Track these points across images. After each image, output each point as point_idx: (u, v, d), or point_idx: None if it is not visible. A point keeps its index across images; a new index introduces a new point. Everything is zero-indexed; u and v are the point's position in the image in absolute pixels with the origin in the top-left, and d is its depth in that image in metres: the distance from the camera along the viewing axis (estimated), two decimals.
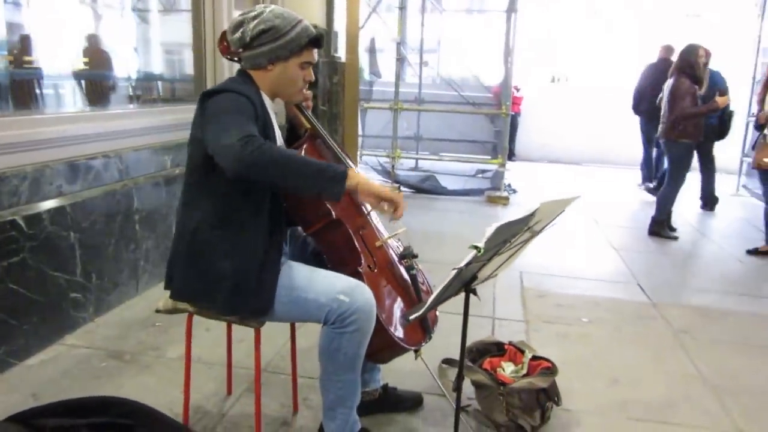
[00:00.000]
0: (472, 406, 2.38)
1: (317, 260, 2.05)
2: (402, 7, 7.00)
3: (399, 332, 2.00)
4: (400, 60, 7.24)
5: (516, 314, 3.54)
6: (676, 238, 5.56)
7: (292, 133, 2.12)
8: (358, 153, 7.59)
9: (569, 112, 10.66)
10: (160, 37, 4.46)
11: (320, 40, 1.90)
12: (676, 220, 5.78)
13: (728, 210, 7.35)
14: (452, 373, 2.66)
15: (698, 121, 5.21)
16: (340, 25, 6.25)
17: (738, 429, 2.45)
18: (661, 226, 5.61)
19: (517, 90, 9.60)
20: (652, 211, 5.73)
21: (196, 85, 4.30)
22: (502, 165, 7.12)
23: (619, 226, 6.05)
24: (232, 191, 1.81)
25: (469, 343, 2.52)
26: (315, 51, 1.91)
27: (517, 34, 7.03)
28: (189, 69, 4.38)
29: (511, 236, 1.46)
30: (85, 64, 3.74)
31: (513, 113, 7.86)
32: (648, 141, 7.92)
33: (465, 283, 1.55)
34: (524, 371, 2.40)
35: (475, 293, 1.60)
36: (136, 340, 2.95)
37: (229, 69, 4.33)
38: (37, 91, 3.34)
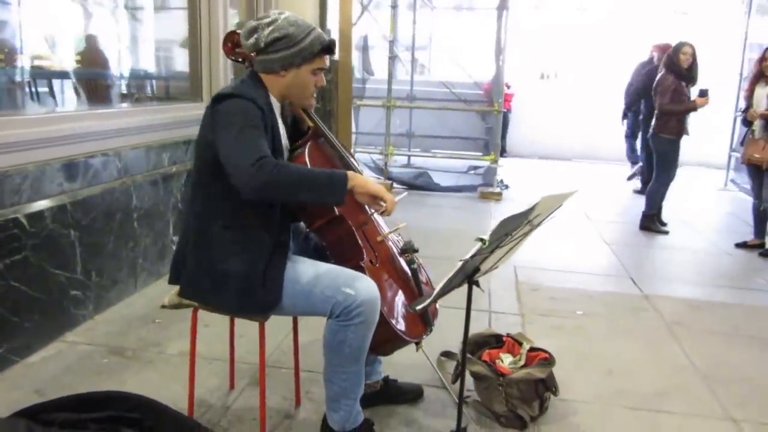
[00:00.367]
0: (471, 397, 2.43)
1: (319, 255, 2.09)
2: (394, 6, 7.03)
3: (401, 325, 2.04)
4: (393, 58, 7.27)
5: (511, 308, 3.59)
6: (666, 233, 5.64)
7: (296, 129, 2.15)
8: (352, 150, 7.62)
9: (559, 109, 10.74)
10: (157, 35, 4.47)
11: (332, 47, 1.94)
12: (666, 214, 5.86)
13: (717, 204, 7.46)
14: (451, 365, 2.71)
15: (681, 117, 5.30)
16: (333, 24, 6.29)
17: (729, 416, 2.52)
18: (651, 221, 5.69)
19: (508, 87, 9.67)
20: (642, 206, 5.81)
21: (192, 83, 4.32)
22: (495, 161, 7.18)
23: (610, 221, 6.13)
24: (239, 192, 1.85)
25: (469, 335, 2.57)
26: (327, 58, 1.95)
27: (508, 32, 7.07)
28: (185, 67, 4.39)
29: (513, 229, 1.50)
30: (84, 63, 3.75)
31: (504, 110, 7.92)
32: (632, 134, 8.08)
33: (468, 275, 1.59)
34: (522, 362, 2.45)
35: (477, 285, 1.65)
36: (137, 336, 2.97)
37: (224, 68, 4.35)
38: (36, 89, 3.36)
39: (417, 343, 2.16)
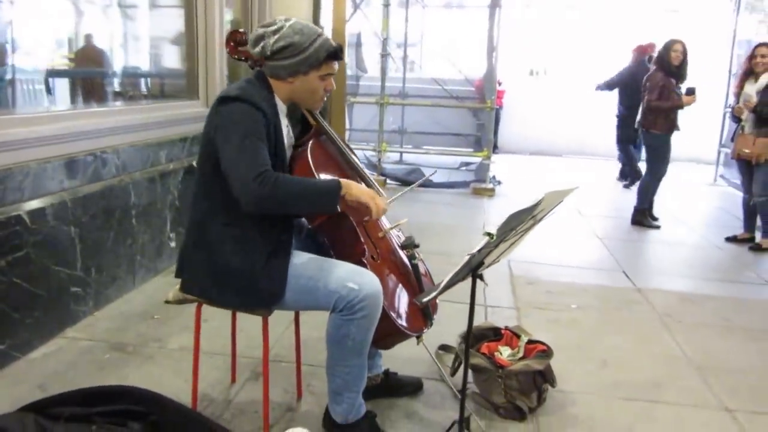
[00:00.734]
0: (470, 389, 2.46)
1: (322, 251, 2.11)
2: (386, 5, 7.05)
3: (402, 319, 2.07)
4: (385, 55, 7.29)
5: (507, 301, 3.64)
6: (658, 227, 5.71)
7: (306, 124, 2.18)
8: None
9: (549, 105, 10.80)
10: (154, 33, 4.47)
11: (339, 53, 1.94)
12: (657, 209, 5.93)
13: (707, 199, 7.55)
14: (449, 358, 2.75)
15: (669, 114, 5.36)
16: (326, 21, 6.30)
17: (723, 405, 2.58)
18: (643, 216, 5.76)
19: (500, 84, 9.73)
20: (632, 201, 5.87)
21: (188, 81, 4.33)
22: (488, 157, 7.22)
23: (602, 216, 6.19)
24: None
25: (466, 329, 2.61)
26: (335, 63, 1.95)
27: (501, 29, 7.11)
28: (182, 65, 4.40)
29: (518, 224, 1.54)
30: (82, 61, 3.75)
31: (496, 107, 7.97)
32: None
33: (473, 268, 1.63)
34: (521, 355, 2.49)
35: (482, 278, 1.68)
36: (137, 332, 2.99)
37: (220, 65, 4.36)
38: (35, 88, 3.36)
39: (418, 337, 2.19)
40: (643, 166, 6.53)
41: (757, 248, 5.05)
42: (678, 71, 5.38)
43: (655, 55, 7.36)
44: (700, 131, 8.52)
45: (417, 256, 2.20)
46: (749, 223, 5.28)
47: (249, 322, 2.50)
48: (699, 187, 8.32)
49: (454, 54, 8.60)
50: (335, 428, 2.09)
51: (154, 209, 3.58)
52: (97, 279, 3.11)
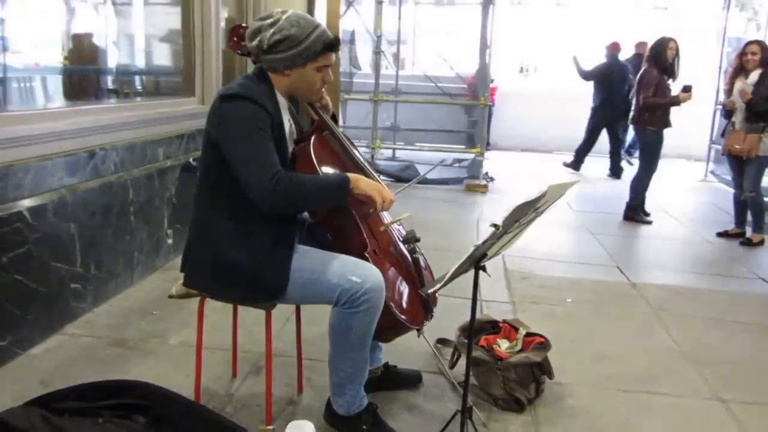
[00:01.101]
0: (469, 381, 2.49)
1: (324, 246, 2.13)
2: (380, 2, 7.07)
3: (403, 312, 2.09)
4: (378, 53, 7.31)
5: (502, 296, 3.68)
6: (650, 223, 5.78)
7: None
8: None
9: (539, 102, 10.84)
10: (151, 31, 4.47)
11: (336, 44, 1.95)
12: (648, 205, 5.98)
13: (698, 195, 7.62)
14: (447, 352, 2.78)
15: (664, 110, 5.42)
16: (320, 18, 6.31)
17: (717, 396, 2.62)
18: (635, 211, 5.82)
19: (492, 81, 9.77)
20: (625, 197, 5.93)
21: (185, 78, 4.33)
22: (481, 154, 7.26)
23: (595, 212, 6.24)
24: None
25: (463, 323, 2.65)
26: (332, 55, 1.96)
27: (494, 27, 7.15)
28: (179, 63, 4.41)
29: (522, 216, 1.57)
30: (80, 59, 3.75)
31: (489, 104, 8.02)
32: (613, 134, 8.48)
33: (476, 260, 1.66)
34: (519, 347, 2.53)
35: (484, 270, 1.71)
36: (137, 328, 3.00)
37: (216, 63, 4.37)
38: (32, 86, 3.36)
39: (418, 330, 2.21)
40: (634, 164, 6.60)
41: (748, 243, 5.12)
42: (671, 68, 5.44)
43: (641, 53, 7.50)
44: (691, 128, 8.60)
45: (418, 250, 2.23)
46: (740, 219, 5.34)
47: (249, 318, 2.53)
48: (690, 183, 8.41)
49: (446, 51, 8.63)
50: (337, 420, 2.12)
51: (151, 206, 3.58)
52: (96, 275, 3.12)
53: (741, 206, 5.27)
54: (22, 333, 2.64)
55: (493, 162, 8.26)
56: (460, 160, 8.23)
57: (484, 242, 1.49)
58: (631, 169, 7.73)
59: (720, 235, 5.38)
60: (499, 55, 10.49)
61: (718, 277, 4.35)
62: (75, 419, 1.87)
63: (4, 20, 2.99)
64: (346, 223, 2.07)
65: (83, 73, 3.73)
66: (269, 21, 1.89)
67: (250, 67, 2.06)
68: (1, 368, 2.52)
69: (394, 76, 8.76)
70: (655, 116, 5.42)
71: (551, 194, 1.57)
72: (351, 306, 1.90)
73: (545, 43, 11.90)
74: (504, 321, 2.69)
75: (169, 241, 3.80)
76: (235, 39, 2.05)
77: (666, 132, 5.51)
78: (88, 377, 2.47)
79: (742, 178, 5.06)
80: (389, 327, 2.10)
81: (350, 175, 1.92)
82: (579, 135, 8.76)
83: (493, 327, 2.69)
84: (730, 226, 5.43)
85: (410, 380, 2.54)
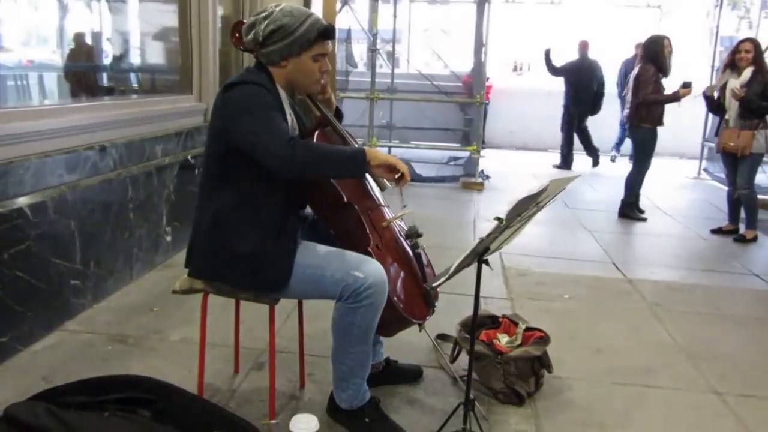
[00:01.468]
0: None
1: (326, 241, 2.15)
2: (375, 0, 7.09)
3: (406, 307, 2.11)
4: (374, 51, 7.32)
5: (500, 292, 3.70)
6: (644, 220, 5.82)
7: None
8: None
9: (534, 101, 10.87)
10: (149, 28, 4.48)
11: (330, 31, 1.96)
12: (643, 202, 6.03)
13: (692, 193, 7.68)
14: (447, 347, 2.80)
15: (660, 107, 5.46)
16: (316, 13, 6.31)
17: (713, 390, 2.66)
18: (630, 209, 5.86)
19: (487, 79, 9.80)
20: (620, 195, 5.97)
21: (182, 76, 4.34)
22: (477, 152, 7.29)
23: (589, 209, 6.28)
24: (251, 176, 1.91)
25: (463, 318, 2.67)
26: (327, 42, 1.98)
27: (490, 25, 7.17)
28: (176, 60, 4.41)
29: (524, 210, 1.60)
30: (78, 56, 3.75)
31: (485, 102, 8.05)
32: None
33: (479, 254, 1.68)
34: (519, 342, 2.55)
35: (487, 263, 1.74)
36: (137, 324, 3.01)
37: (213, 60, 4.37)
38: (30, 83, 3.37)
39: (420, 324, 2.23)
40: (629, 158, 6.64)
41: (742, 239, 5.17)
42: (666, 66, 5.48)
43: (637, 53, 7.55)
44: (684, 126, 8.65)
45: (420, 245, 2.25)
46: (733, 215, 5.40)
47: (250, 314, 2.54)
48: (683, 180, 8.47)
49: (441, 49, 8.66)
50: (340, 414, 2.14)
51: (150, 203, 3.59)
52: (95, 272, 3.12)
53: (734, 203, 5.32)
54: (23, 329, 2.65)
55: (488, 160, 8.29)
56: (455, 158, 8.26)
57: (488, 235, 1.51)
58: (623, 165, 7.79)
59: (714, 231, 5.43)
60: (493, 54, 10.53)
61: (713, 272, 4.39)
62: (80, 413, 1.88)
63: (1, 19, 2.99)
64: (348, 218, 2.09)
65: (82, 70, 3.73)
66: (263, 14, 1.93)
67: (247, 64, 2.08)
68: (2, 364, 2.53)
69: (389, 74, 8.77)
70: (651, 113, 5.45)
71: (552, 188, 1.59)
72: (354, 301, 1.91)
73: (539, 41, 11.92)
74: (504, 316, 2.72)
75: (168, 238, 3.81)
76: (237, 35, 2.06)
77: (659, 130, 5.55)
78: (90, 373, 2.47)
79: (736, 176, 5.10)
80: (392, 321, 2.12)
81: (367, 148, 1.87)
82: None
83: (493, 322, 2.71)
84: (724, 222, 5.48)
85: (411, 375, 2.56)
